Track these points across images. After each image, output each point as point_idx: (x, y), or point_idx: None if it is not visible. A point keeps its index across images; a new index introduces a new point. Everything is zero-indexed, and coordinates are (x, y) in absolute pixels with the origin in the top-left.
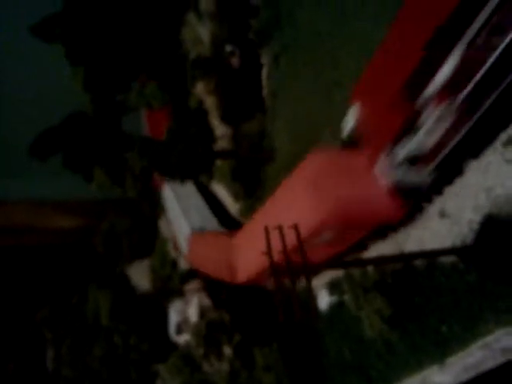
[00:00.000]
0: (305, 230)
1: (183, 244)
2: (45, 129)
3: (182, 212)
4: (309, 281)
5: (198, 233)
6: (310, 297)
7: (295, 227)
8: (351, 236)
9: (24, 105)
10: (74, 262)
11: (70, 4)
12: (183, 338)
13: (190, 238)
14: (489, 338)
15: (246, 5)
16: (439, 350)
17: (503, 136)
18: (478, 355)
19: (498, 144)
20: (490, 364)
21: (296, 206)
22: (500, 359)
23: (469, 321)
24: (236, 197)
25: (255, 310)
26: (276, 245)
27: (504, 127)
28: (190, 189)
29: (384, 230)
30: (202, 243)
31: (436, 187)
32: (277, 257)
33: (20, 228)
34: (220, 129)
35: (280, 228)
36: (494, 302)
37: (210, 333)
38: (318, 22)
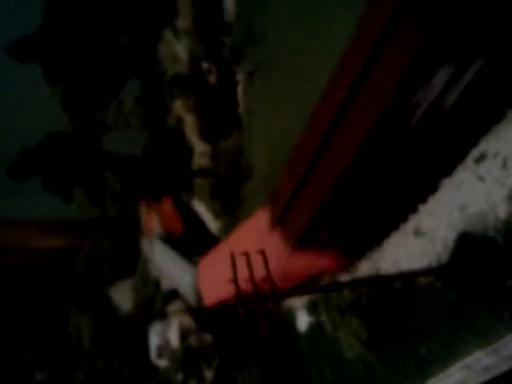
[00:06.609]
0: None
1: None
2: (24, 149)
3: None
4: (277, 308)
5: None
6: (280, 325)
7: (263, 253)
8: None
9: (2, 125)
10: (55, 284)
11: (46, 24)
12: (164, 362)
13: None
14: (469, 359)
15: (221, 22)
16: (419, 372)
17: (475, 152)
18: (459, 376)
19: (469, 161)
20: None
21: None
22: (481, 379)
23: (448, 342)
24: (216, 215)
25: (239, 331)
26: (243, 271)
27: (475, 143)
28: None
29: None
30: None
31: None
32: (244, 284)
33: (0, 248)
34: (200, 146)
35: (247, 254)
36: (472, 322)
37: (187, 358)
38: (291, 39)
